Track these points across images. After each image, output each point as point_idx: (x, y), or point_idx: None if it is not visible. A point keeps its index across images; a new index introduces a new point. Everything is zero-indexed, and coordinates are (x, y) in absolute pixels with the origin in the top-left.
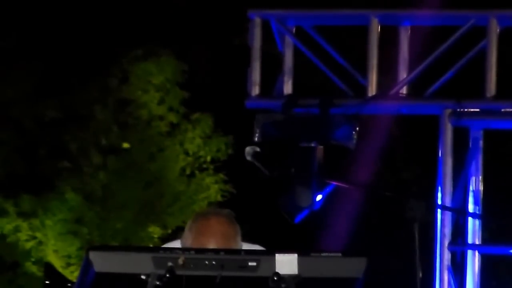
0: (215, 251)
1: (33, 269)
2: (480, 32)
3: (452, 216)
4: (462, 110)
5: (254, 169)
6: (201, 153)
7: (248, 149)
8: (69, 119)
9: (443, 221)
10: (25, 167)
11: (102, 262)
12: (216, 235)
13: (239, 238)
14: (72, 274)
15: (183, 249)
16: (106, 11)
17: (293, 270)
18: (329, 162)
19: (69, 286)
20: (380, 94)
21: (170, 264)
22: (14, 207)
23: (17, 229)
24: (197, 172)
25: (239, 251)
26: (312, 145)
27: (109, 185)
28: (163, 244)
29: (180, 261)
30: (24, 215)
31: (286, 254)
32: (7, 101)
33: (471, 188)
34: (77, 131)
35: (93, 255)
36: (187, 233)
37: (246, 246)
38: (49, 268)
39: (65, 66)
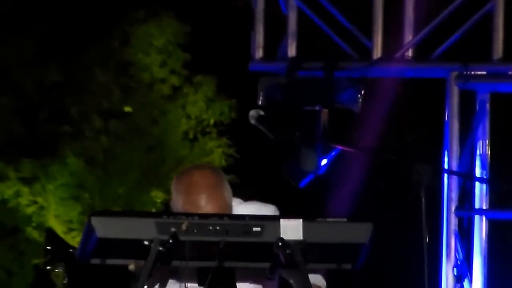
0: (219, 216)
1: (34, 234)
2: None
3: (459, 181)
4: (468, 73)
5: (258, 133)
6: (204, 116)
7: (251, 112)
8: (69, 83)
9: (449, 186)
10: (25, 131)
11: (105, 228)
12: (205, 189)
13: (227, 185)
14: (74, 239)
15: (187, 214)
16: None
17: (298, 236)
18: (334, 125)
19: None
20: (385, 57)
21: (173, 229)
22: (14, 172)
23: (17, 194)
24: (200, 136)
25: (244, 216)
26: (317, 108)
27: (111, 149)
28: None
29: (184, 227)
30: (24, 180)
31: (291, 219)
32: (7, 64)
33: (478, 152)
34: (78, 94)
35: (95, 221)
36: (175, 196)
37: (259, 206)
38: (50, 234)
39: (65, 29)
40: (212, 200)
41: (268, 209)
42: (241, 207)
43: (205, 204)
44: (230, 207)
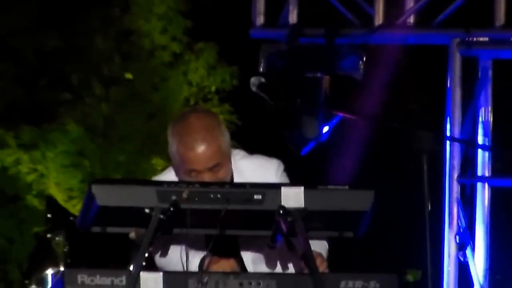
0: (220, 184)
1: (35, 202)
2: None
3: (461, 148)
4: (470, 39)
5: (260, 100)
6: (205, 83)
7: (253, 79)
8: (70, 49)
9: (452, 153)
10: (25, 98)
11: (105, 196)
12: (200, 131)
13: (224, 130)
14: (75, 207)
15: (187, 183)
16: None
17: (299, 203)
18: (335, 92)
19: (71, 220)
20: (387, 23)
21: (174, 197)
22: (14, 139)
23: (17, 162)
24: (201, 103)
25: (245, 185)
26: (318, 75)
27: (111, 116)
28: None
29: (185, 195)
30: (25, 147)
31: (292, 187)
32: (7, 31)
33: (480, 119)
34: (78, 61)
35: (96, 189)
36: (170, 139)
37: (263, 161)
38: (50, 202)
39: None
40: (206, 142)
41: (272, 164)
42: (244, 161)
43: (199, 145)
44: (225, 153)
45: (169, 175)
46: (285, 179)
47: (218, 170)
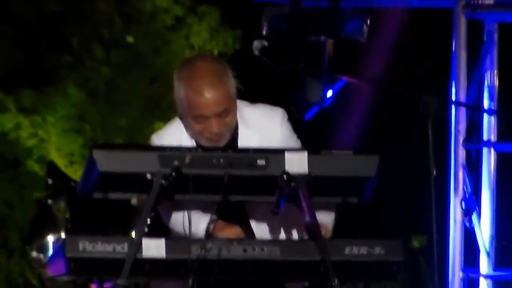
0: (223, 149)
1: (35, 167)
2: None
3: (467, 113)
4: (476, 2)
5: (262, 64)
6: (208, 47)
7: (255, 43)
8: (70, 12)
9: (457, 118)
10: (26, 62)
11: (106, 161)
12: (208, 76)
13: (231, 75)
14: (76, 173)
15: (190, 148)
16: None
17: (303, 169)
18: (339, 56)
19: (72, 185)
20: None
21: (176, 162)
22: (14, 103)
23: (18, 127)
24: None
25: (248, 150)
26: (322, 39)
27: (113, 80)
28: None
29: (187, 160)
30: (25, 111)
31: (296, 152)
32: None
33: (486, 83)
34: (79, 24)
35: (97, 154)
36: (177, 85)
37: (266, 110)
38: (51, 167)
39: None
40: (215, 86)
41: (277, 113)
42: (249, 109)
43: (207, 90)
44: (233, 99)
45: (174, 128)
46: (289, 128)
47: (225, 115)
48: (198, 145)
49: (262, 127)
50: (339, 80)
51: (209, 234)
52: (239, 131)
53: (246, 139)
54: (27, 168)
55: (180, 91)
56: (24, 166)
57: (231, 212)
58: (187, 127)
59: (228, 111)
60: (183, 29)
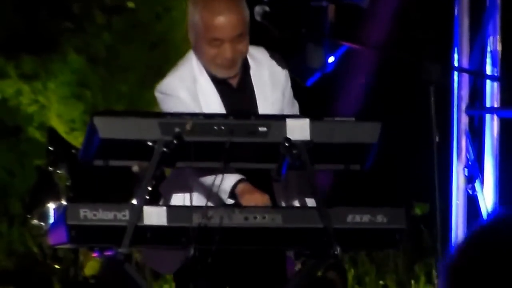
0: (224, 115)
1: (36, 134)
2: None
3: (470, 79)
4: None
5: (264, 30)
6: None
7: (257, 8)
8: None
9: (460, 84)
10: (25, 28)
11: (107, 128)
12: (227, 4)
13: (245, 2)
14: (77, 139)
15: (191, 114)
16: None
17: (304, 136)
18: (341, 22)
19: (73, 152)
20: None
21: (177, 129)
22: (15, 69)
23: (18, 93)
24: None
25: (249, 116)
26: (323, 4)
27: (113, 46)
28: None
29: (188, 127)
30: (25, 77)
31: (298, 119)
32: None
33: (488, 49)
34: None
35: (98, 121)
36: (192, 9)
37: (267, 51)
38: (52, 134)
39: None
40: (231, 9)
41: (280, 57)
42: (252, 49)
43: (224, 12)
44: (247, 26)
45: (184, 69)
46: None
47: (239, 41)
48: (211, 75)
49: (270, 65)
50: (341, 46)
51: (233, 194)
52: (250, 64)
53: (257, 73)
54: (28, 135)
55: (195, 15)
56: (25, 133)
57: (256, 179)
58: (201, 55)
59: (242, 37)
60: None
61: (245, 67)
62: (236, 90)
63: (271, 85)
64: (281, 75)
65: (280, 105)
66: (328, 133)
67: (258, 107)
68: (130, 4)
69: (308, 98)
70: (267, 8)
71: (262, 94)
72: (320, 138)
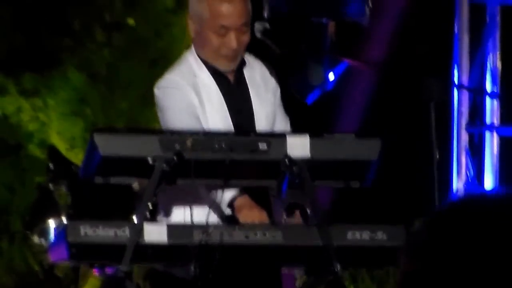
0: (224, 133)
1: (37, 151)
2: None
3: (470, 96)
4: None
5: (264, 46)
6: None
7: (257, 25)
8: None
9: (460, 101)
10: (26, 44)
11: (108, 145)
12: None
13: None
14: (77, 156)
15: (191, 132)
16: None
17: (305, 152)
18: (341, 38)
19: (73, 170)
20: None
21: (177, 146)
22: (15, 86)
23: (19, 110)
24: None
25: (249, 133)
26: (324, 21)
27: (114, 63)
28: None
29: (188, 144)
30: (26, 94)
31: (298, 136)
32: None
33: (488, 66)
34: (80, 6)
35: (98, 138)
36: (196, 5)
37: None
38: (53, 152)
39: None
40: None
41: (270, 68)
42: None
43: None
44: (250, 15)
45: (182, 66)
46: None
47: (244, 31)
48: (211, 69)
49: (261, 69)
50: (341, 63)
51: (232, 206)
52: (245, 59)
53: (250, 72)
54: (28, 152)
55: (201, 3)
56: (26, 151)
57: (255, 196)
58: (204, 45)
59: (247, 27)
60: (185, 11)
61: (241, 63)
62: (234, 85)
63: (263, 86)
64: (272, 81)
65: (272, 107)
66: (328, 150)
67: (253, 104)
68: (130, 21)
69: (308, 115)
70: (267, 25)
71: (256, 92)
72: (320, 155)
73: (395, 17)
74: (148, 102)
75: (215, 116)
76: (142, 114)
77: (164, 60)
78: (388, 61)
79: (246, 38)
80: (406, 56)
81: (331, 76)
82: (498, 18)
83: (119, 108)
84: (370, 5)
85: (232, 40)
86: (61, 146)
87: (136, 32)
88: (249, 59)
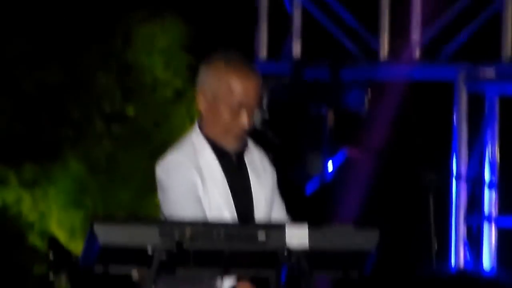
0: (223, 223)
1: (37, 242)
2: None
3: (468, 187)
4: (477, 75)
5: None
6: None
7: (256, 117)
8: (71, 84)
9: (458, 192)
10: (26, 134)
11: (107, 235)
12: (246, 63)
13: None
14: (77, 246)
15: (191, 222)
16: None
17: (303, 243)
18: (340, 128)
19: (73, 260)
20: (392, 57)
21: (177, 236)
22: (15, 176)
23: (19, 200)
24: None
25: (248, 224)
26: (322, 110)
27: (114, 153)
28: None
29: (187, 234)
30: (26, 184)
31: (297, 226)
32: (7, 65)
33: (487, 157)
34: (80, 97)
35: (98, 228)
36: (211, 74)
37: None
38: (53, 243)
39: (66, 28)
40: (256, 74)
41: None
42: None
43: (251, 76)
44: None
45: (185, 146)
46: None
47: (255, 112)
48: (214, 148)
49: (259, 153)
50: (340, 152)
51: None
52: (248, 142)
53: (250, 154)
54: (28, 243)
55: (218, 79)
56: (26, 241)
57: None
58: (214, 122)
59: (257, 108)
60: (184, 102)
61: (244, 145)
62: (236, 166)
63: (262, 170)
64: (270, 166)
65: (270, 191)
66: (326, 241)
67: (252, 187)
68: (130, 111)
69: (307, 205)
70: (266, 115)
71: (255, 175)
72: (318, 245)
73: (394, 106)
74: (148, 193)
75: (217, 196)
76: (142, 204)
77: (164, 151)
78: (387, 150)
79: (255, 118)
80: (405, 146)
81: (330, 165)
82: (496, 109)
83: (119, 198)
84: (369, 94)
85: (244, 118)
86: (61, 236)
87: (136, 122)
88: (249, 142)
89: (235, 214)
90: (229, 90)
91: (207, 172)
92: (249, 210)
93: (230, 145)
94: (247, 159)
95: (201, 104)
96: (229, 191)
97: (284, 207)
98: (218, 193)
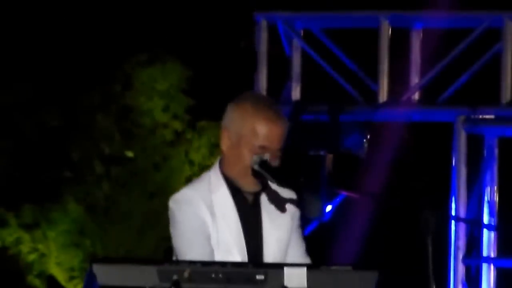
0: (222, 264)
1: (36, 282)
2: (495, 34)
3: (467, 228)
4: (476, 117)
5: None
6: (207, 162)
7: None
8: (70, 127)
9: (457, 233)
10: (26, 177)
11: (106, 275)
12: (272, 104)
13: None
14: (76, 287)
15: (189, 262)
16: (110, 15)
17: (302, 284)
18: (339, 171)
19: None
20: (391, 100)
21: (175, 277)
22: (15, 218)
23: (19, 241)
24: None
25: (247, 264)
26: (321, 153)
27: (113, 195)
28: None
29: (186, 274)
30: (25, 226)
31: (295, 267)
32: (8, 108)
33: (486, 199)
34: (79, 139)
35: (97, 268)
36: (237, 115)
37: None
38: (52, 283)
39: (67, 71)
40: (283, 118)
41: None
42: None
43: (278, 120)
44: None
45: (202, 183)
46: None
47: (278, 155)
48: (231, 187)
49: (285, 195)
50: (339, 195)
51: None
52: (269, 183)
53: (271, 193)
54: (28, 284)
55: (244, 120)
56: (25, 282)
57: None
58: (236, 162)
59: (280, 152)
60: (183, 145)
61: (263, 186)
62: (251, 205)
63: (280, 209)
64: (293, 207)
65: (286, 232)
66: (325, 282)
67: (264, 227)
68: (129, 154)
69: (306, 246)
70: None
71: (268, 216)
72: (317, 286)
73: (392, 149)
74: (146, 234)
75: (228, 234)
76: (141, 245)
77: (163, 193)
78: (385, 192)
79: (277, 162)
80: (403, 188)
81: (329, 208)
82: (495, 150)
83: (118, 239)
84: (368, 136)
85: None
86: (61, 277)
87: (135, 164)
88: (272, 183)
89: (246, 252)
90: (254, 133)
91: (219, 209)
92: (259, 249)
93: (247, 185)
94: (263, 199)
95: (224, 142)
96: (241, 229)
97: (303, 248)
98: (229, 231)
